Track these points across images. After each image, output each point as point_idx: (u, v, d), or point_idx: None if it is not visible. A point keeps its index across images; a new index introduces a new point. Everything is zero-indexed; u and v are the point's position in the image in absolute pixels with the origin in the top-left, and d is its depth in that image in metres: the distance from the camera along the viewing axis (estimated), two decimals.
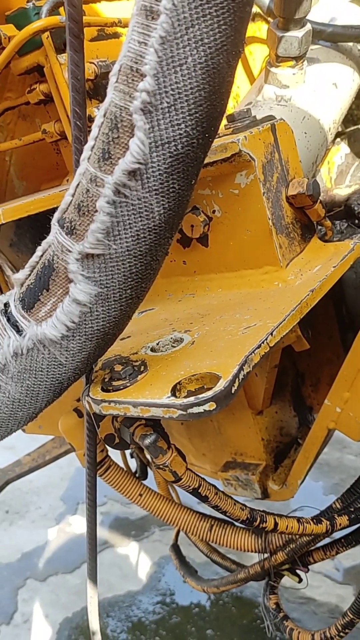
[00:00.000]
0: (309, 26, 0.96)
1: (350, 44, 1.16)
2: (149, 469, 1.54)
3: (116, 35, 1.01)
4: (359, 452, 3.47)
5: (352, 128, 1.52)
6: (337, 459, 3.55)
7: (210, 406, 0.60)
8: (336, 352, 1.39)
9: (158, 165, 0.56)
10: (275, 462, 1.33)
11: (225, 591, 1.22)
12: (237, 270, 0.91)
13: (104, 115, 0.57)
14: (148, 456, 1.49)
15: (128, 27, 0.54)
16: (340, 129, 1.56)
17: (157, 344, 0.78)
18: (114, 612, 3.00)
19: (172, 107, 0.55)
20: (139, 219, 0.59)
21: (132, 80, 0.54)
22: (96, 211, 0.57)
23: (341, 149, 1.43)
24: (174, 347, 0.76)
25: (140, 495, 1.01)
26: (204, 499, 0.80)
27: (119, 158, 0.56)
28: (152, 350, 0.77)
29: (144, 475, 1.51)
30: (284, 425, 1.37)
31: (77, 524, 3.68)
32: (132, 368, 0.71)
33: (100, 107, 0.57)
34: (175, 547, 1.47)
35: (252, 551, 1.08)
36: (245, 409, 1.27)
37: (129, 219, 0.58)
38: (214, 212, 0.88)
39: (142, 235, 0.59)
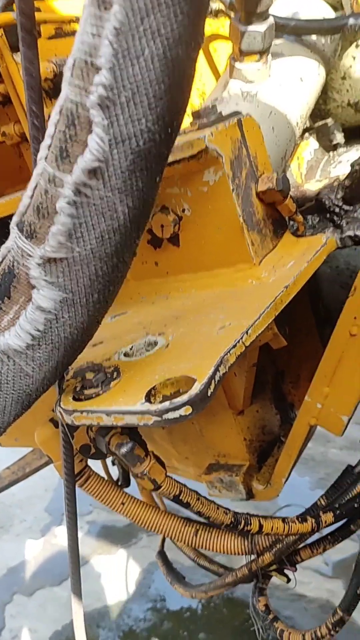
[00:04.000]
0: (271, 20, 0.94)
1: (314, 37, 1.15)
2: (131, 476, 1.51)
3: (75, 33, 0.99)
4: (344, 446, 3.48)
5: (320, 123, 1.52)
6: (322, 454, 3.56)
7: (186, 410, 0.58)
8: (315, 348, 1.37)
9: (119, 162, 0.54)
10: (259, 461, 1.32)
11: (214, 595, 1.20)
12: (210, 269, 0.89)
13: (60, 112, 0.54)
14: None
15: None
16: (308, 124, 1.56)
17: (131, 349, 0.76)
18: (104, 622, 2.96)
19: (131, 102, 0.52)
20: (103, 219, 0.56)
21: (87, 74, 0.52)
22: (56, 213, 0.55)
23: (310, 144, 1.43)
24: (148, 351, 0.74)
25: (123, 504, 0.98)
26: (186, 506, 0.78)
27: (77, 156, 0.54)
28: (126, 355, 0.74)
29: (127, 483, 1.48)
30: (266, 424, 1.35)
31: (63, 536, 3.62)
32: (105, 375, 0.69)
33: (56, 103, 0.54)
34: (162, 554, 1.45)
35: (239, 554, 1.06)
36: (226, 409, 1.25)
37: (91, 220, 0.56)
38: (183, 211, 0.86)
39: (106, 236, 0.57)
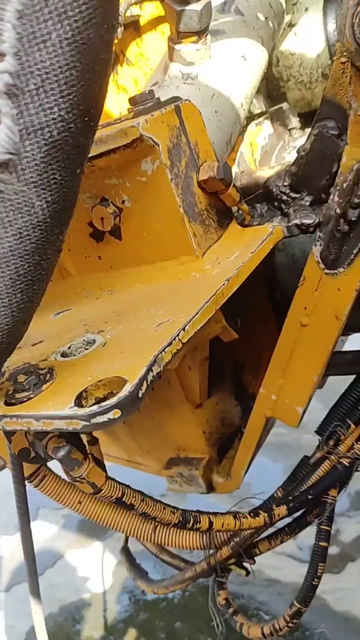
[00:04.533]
0: None
1: (257, 13, 1.12)
2: None
3: None
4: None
5: (275, 107, 1.49)
6: (295, 440, 3.58)
7: (115, 414, 0.55)
8: (274, 338, 1.36)
9: (32, 154, 0.51)
10: (219, 454, 1.31)
11: (175, 590, 1.19)
12: (154, 262, 0.86)
13: None
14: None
15: None
16: (264, 109, 1.53)
17: (69, 348, 0.73)
18: (80, 615, 2.95)
19: (41, 89, 0.49)
20: (20, 215, 0.53)
21: None
22: None
23: (264, 130, 1.40)
24: (87, 349, 0.71)
25: (80, 502, 0.96)
26: (130, 508, 0.76)
27: None
28: (63, 355, 0.72)
29: None
30: (226, 416, 1.34)
31: (39, 530, 3.60)
32: (37, 377, 0.66)
33: None
34: (126, 550, 1.43)
35: (197, 549, 1.05)
36: (184, 403, 1.23)
37: (7, 217, 0.53)
38: (123, 202, 0.83)
39: (25, 232, 0.54)
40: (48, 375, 0.66)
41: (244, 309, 1.22)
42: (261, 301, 1.33)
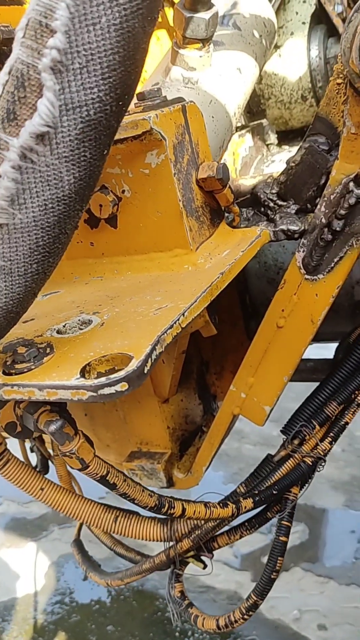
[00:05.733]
0: (216, 9, 0.95)
1: (252, 31, 1.17)
2: (50, 463, 1.48)
3: (19, 2, 0.96)
4: (257, 442, 3.59)
5: (255, 122, 1.56)
6: (236, 449, 3.65)
7: (122, 386, 0.57)
8: (240, 341, 1.41)
9: (69, 130, 0.53)
10: (181, 450, 1.33)
11: (130, 583, 1.20)
12: (147, 252, 0.89)
13: (9, 73, 0.52)
14: (50, 449, 1.44)
15: None
16: (244, 122, 1.59)
17: (64, 326, 0.74)
18: (10, 615, 2.89)
19: (85, 69, 0.51)
20: (47, 187, 0.55)
21: (42, 36, 0.50)
22: (0, 177, 0.53)
23: (246, 141, 1.46)
24: (82, 329, 0.73)
25: (42, 489, 0.96)
26: (112, 487, 0.78)
27: (25, 120, 0.52)
28: (59, 332, 0.73)
29: (45, 469, 1.45)
30: (189, 414, 1.37)
31: None
32: (37, 350, 0.67)
33: (6, 64, 0.52)
34: (78, 543, 1.43)
35: (158, 540, 1.07)
36: (152, 396, 1.25)
37: (36, 187, 0.54)
38: (123, 192, 0.86)
39: (50, 205, 0.56)
40: (48, 349, 0.67)
41: (217, 310, 1.27)
42: (232, 304, 1.38)
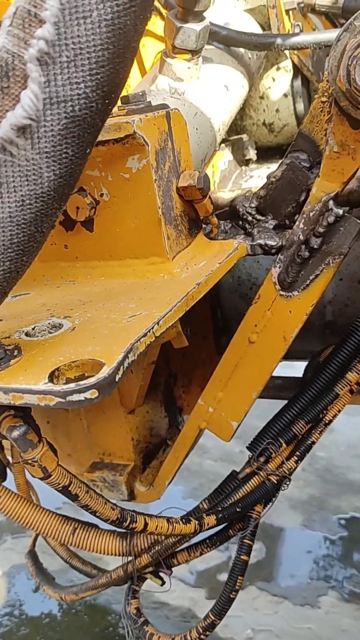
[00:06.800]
0: (207, 22, 0.95)
1: (243, 50, 1.18)
2: (8, 470, 1.43)
3: None
4: (219, 458, 3.57)
5: (235, 137, 1.56)
6: (197, 464, 3.62)
7: (92, 394, 0.55)
8: (209, 355, 1.40)
9: (52, 125, 0.51)
10: (144, 463, 1.31)
11: (85, 597, 1.16)
12: (122, 259, 0.87)
13: None
14: (9, 456, 1.39)
15: None
16: (224, 137, 1.59)
17: (33, 329, 0.71)
18: None
19: (72, 63, 0.50)
20: (26, 182, 0.53)
21: (30, 25, 0.48)
22: None
23: (225, 155, 1.46)
24: (52, 332, 0.70)
25: None
26: (74, 498, 0.75)
27: (7, 110, 0.50)
28: (27, 335, 0.70)
29: (3, 477, 1.40)
30: (154, 426, 1.34)
31: None
32: (4, 352, 0.64)
33: None
34: (32, 554, 1.38)
35: (117, 554, 1.04)
36: (118, 407, 1.23)
37: (14, 182, 0.52)
38: (101, 195, 0.84)
39: (27, 201, 0.54)
40: (16, 351, 0.64)
41: (188, 323, 1.25)
42: (203, 318, 1.37)
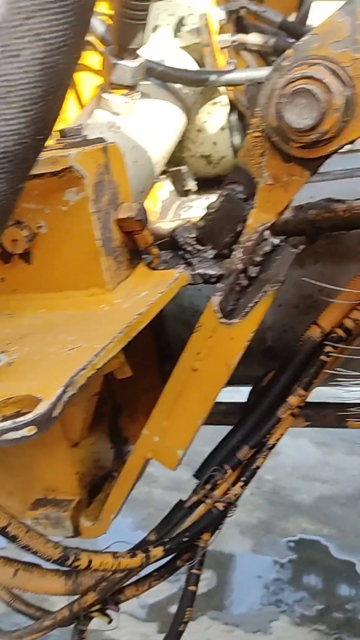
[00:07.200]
0: (143, 59, 0.98)
1: (179, 85, 1.21)
2: None
3: None
4: (168, 487, 3.54)
5: (174, 169, 1.59)
6: (146, 494, 3.58)
7: (29, 430, 0.54)
8: (154, 383, 1.39)
9: None
10: (89, 497, 1.28)
11: None
12: (62, 290, 0.87)
13: None
14: None
15: None
16: (164, 169, 1.62)
17: None
18: None
19: (4, 100, 0.50)
20: None
21: None
22: None
23: (165, 186, 1.48)
24: None
25: None
26: (13, 539, 0.72)
27: None
28: None
29: None
30: (99, 458, 1.32)
31: None
32: None
33: None
34: None
35: (62, 594, 1.01)
36: (60, 440, 1.20)
37: None
38: (39, 227, 0.84)
39: None
40: None
41: (132, 352, 1.25)
42: (147, 346, 1.36)
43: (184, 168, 1.60)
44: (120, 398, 1.39)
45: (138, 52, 1.00)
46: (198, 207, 1.50)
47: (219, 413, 1.39)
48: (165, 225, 1.24)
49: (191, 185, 1.58)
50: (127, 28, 0.93)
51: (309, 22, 1.77)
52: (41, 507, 1.24)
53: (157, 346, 1.37)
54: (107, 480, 1.34)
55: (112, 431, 1.36)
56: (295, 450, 3.62)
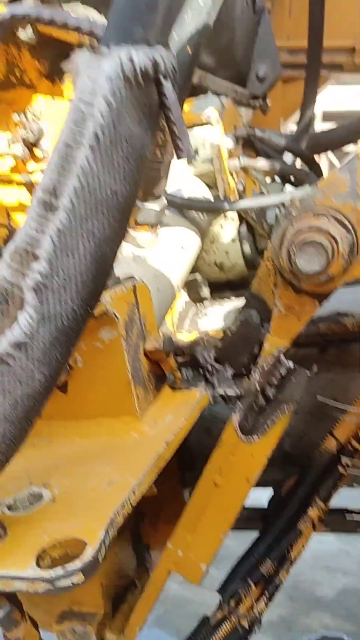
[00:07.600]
0: (164, 200, 1.09)
1: (195, 212, 1.33)
2: None
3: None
4: (183, 582, 3.43)
5: (189, 278, 1.70)
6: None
7: (78, 578, 0.59)
8: (175, 490, 1.42)
9: (43, 338, 0.59)
10: (113, 608, 1.28)
11: None
12: (95, 417, 0.93)
13: None
14: None
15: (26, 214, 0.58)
16: None
17: (14, 501, 0.75)
18: None
19: (62, 288, 0.59)
20: (20, 386, 0.59)
21: (26, 260, 0.57)
22: None
23: (182, 297, 1.58)
24: (32, 504, 0.74)
25: None
26: None
27: (5, 329, 0.58)
28: (10, 508, 0.74)
29: None
30: (122, 567, 1.33)
31: None
32: None
33: None
34: None
35: None
36: None
37: (9, 386, 0.59)
38: (75, 361, 0.91)
39: (20, 401, 0.60)
40: (1, 530, 0.68)
41: None
42: None
43: (198, 275, 1.70)
44: (143, 506, 1.42)
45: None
46: (213, 314, 1.59)
47: (240, 519, 1.41)
48: (184, 336, 1.32)
49: (206, 292, 1.68)
50: (151, 175, 1.04)
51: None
52: (67, 621, 1.24)
53: (179, 455, 1.41)
54: (130, 590, 1.35)
55: (134, 539, 1.38)
56: (315, 541, 3.54)
